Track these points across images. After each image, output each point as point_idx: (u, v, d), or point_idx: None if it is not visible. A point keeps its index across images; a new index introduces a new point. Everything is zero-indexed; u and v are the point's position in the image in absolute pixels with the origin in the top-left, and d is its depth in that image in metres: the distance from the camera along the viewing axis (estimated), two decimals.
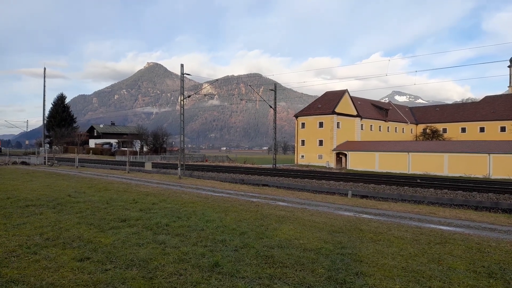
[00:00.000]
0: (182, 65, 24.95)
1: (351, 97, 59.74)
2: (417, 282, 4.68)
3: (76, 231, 7.24)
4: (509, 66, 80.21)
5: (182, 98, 25.49)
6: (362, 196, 16.24)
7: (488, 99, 69.24)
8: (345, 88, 61.01)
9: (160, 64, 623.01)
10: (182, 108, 25.59)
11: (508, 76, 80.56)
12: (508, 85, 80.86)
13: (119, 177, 21.79)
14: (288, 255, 5.71)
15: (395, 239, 7.12)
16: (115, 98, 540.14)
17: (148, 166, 27.69)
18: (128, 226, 7.73)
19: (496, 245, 6.85)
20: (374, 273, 4.97)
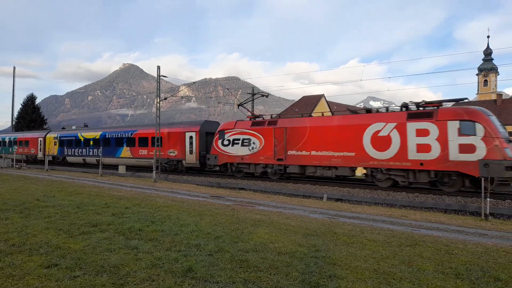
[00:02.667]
0: (158, 67, 24.61)
1: (328, 102, 60.73)
2: (388, 283, 4.79)
3: (44, 236, 6.98)
4: (477, 74, 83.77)
5: (158, 100, 25.12)
6: (337, 199, 16.47)
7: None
8: (322, 93, 61.99)
9: (136, 65, 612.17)
10: (158, 111, 25.21)
11: (477, 83, 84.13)
12: (477, 92, 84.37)
13: (91, 181, 21.20)
14: (263, 259, 5.71)
15: (368, 241, 7.25)
16: (89, 99, 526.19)
17: (122, 169, 27.09)
18: (100, 231, 7.51)
19: (463, 247, 7.10)
20: (347, 276, 5.04)
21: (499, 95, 65.14)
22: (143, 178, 24.81)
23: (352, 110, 20.76)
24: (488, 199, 11.93)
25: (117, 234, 7.26)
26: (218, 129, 23.41)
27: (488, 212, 11.88)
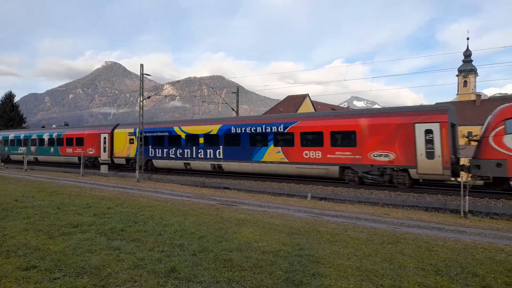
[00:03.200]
0: (141, 65, 24.28)
1: (312, 101, 61.21)
2: (370, 281, 4.85)
3: (22, 238, 6.80)
4: (457, 75, 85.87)
5: (141, 99, 24.79)
6: (321, 198, 16.60)
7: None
8: (306, 93, 62.44)
9: (118, 64, 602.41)
10: (141, 110, 24.89)
11: (457, 84, 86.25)
12: (457, 93, 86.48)
13: (72, 181, 20.77)
14: (247, 258, 5.70)
15: (350, 239, 7.34)
16: (70, 97, 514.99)
17: (104, 168, 26.62)
18: (80, 232, 7.37)
19: (443, 244, 7.27)
20: (330, 274, 5.09)
21: (478, 95, 66.97)
22: (126, 177, 24.46)
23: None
24: (467, 197, 12.24)
25: (99, 235, 7.14)
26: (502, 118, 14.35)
27: (467, 210, 12.18)
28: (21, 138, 38.47)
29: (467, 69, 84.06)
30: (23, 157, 31.84)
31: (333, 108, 72.44)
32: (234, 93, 33.25)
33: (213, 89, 39.85)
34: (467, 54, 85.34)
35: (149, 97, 26.99)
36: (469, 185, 12.63)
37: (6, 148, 39.65)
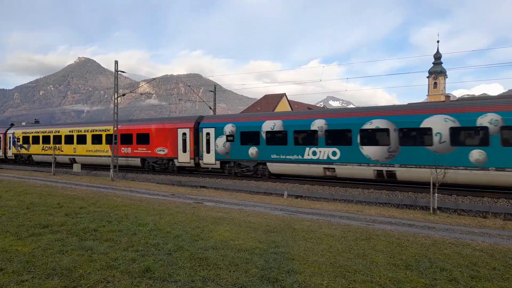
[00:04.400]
0: (116, 62, 23.73)
1: (289, 101, 61.71)
2: (343, 277, 4.96)
3: None
4: (428, 77, 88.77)
5: (116, 96, 24.25)
6: (297, 196, 16.79)
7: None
8: (284, 92, 62.90)
9: (92, 60, 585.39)
10: (116, 107, 24.34)
11: (427, 85, 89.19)
12: (427, 93, 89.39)
13: (43, 180, 20.08)
14: (223, 256, 5.71)
15: (325, 236, 7.47)
16: (41, 94, 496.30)
17: (77, 167, 25.87)
18: (51, 232, 7.15)
19: (413, 239, 7.52)
20: (304, 270, 5.17)
21: (447, 96, 69.43)
22: (99, 176, 23.88)
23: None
24: (436, 194, 12.69)
25: (71, 235, 6.95)
26: None
27: (436, 207, 12.64)
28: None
29: (437, 71, 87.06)
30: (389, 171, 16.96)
31: (309, 107, 73.25)
32: (212, 91, 33.07)
33: (190, 87, 39.48)
34: (437, 56, 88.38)
35: (124, 95, 26.46)
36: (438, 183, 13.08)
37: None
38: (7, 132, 35.07)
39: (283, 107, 59.05)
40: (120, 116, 26.01)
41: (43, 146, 31.26)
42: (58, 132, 30.02)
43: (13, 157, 34.68)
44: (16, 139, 33.97)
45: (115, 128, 24.23)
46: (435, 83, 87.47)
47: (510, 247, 7.11)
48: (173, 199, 13.26)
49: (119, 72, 24.11)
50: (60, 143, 29.58)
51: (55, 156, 27.28)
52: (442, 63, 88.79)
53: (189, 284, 4.56)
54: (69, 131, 29.28)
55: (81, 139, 28.22)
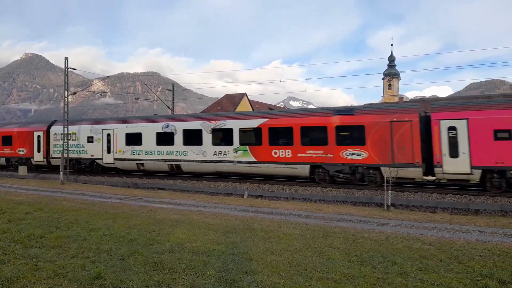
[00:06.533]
0: (66, 58, 22.47)
1: (250, 100, 61.93)
2: (300, 275, 5.00)
3: None
4: (382, 79, 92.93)
5: (66, 94, 22.96)
6: (258, 196, 16.82)
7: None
8: (245, 92, 63.01)
9: (40, 56, 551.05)
10: (66, 106, 23.06)
11: (382, 87, 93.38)
12: (382, 95, 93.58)
13: None
14: (179, 260, 5.55)
15: (284, 235, 7.52)
16: None
17: (23, 170, 24.21)
18: None
19: (368, 236, 7.77)
20: (262, 270, 5.15)
21: (401, 97, 73.12)
22: (48, 180, 22.51)
23: None
24: (389, 191, 13.25)
25: (14, 243, 6.46)
26: None
27: (389, 203, 13.19)
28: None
29: (391, 73, 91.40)
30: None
31: (270, 107, 73.96)
32: (170, 90, 32.36)
33: (147, 85, 38.35)
34: (391, 59, 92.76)
35: (75, 93, 25.15)
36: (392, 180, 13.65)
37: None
38: None
39: (244, 107, 59.12)
40: (72, 115, 24.71)
41: None
42: None
43: None
44: None
45: (65, 128, 22.96)
46: (390, 85, 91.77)
47: (456, 240, 7.56)
48: (128, 202, 12.78)
49: (70, 69, 22.87)
50: None
51: None
52: (396, 65, 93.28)
53: None
54: None
55: None
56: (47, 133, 25.29)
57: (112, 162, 22.57)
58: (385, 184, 13.43)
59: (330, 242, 7.02)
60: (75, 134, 23.98)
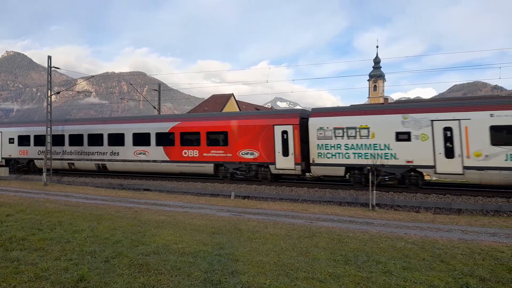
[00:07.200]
0: (49, 57, 22.02)
1: (237, 101, 61.89)
2: (285, 275, 5.03)
3: None
4: (368, 80, 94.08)
5: (49, 94, 22.52)
6: (245, 197, 16.81)
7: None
8: (232, 92, 62.94)
9: (23, 54, 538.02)
10: (49, 106, 22.63)
11: (368, 88, 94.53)
12: (368, 96, 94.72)
13: None
14: (165, 261, 5.51)
15: (270, 236, 7.54)
16: None
17: (3, 171, 23.65)
18: None
19: (353, 235, 7.86)
20: (248, 271, 5.16)
21: (386, 99, 74.24)
22: (30, 181, 22.03)
23: None
24: (374, 191, 13.42)
25: None
26: None
27: (374, 203, 13.36)
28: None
29: (376, 74, 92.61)
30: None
31: (257, 108, 74.07)
32: (156, 90, 32.08)
33: (133, 85, 37.95)
34: (377, 61, 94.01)
35: (58, 93, 24.71)
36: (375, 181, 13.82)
37: None
38: None
39: (230, 107, 59.03)
40: (56, 115, 24.29)
41: None
42: None
43: None
44: None
45: (49, 128, 22.51)
46: (375, 86, 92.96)
47: (438, 239, 7.71)
48: (113, 204, 12.61)
49: (53, 68, 22.45)
50: None
51: None
52: (381, 67, 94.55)
53: None
54: None
55: None
56: None
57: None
58: (370, 184, 13.60)
59: (316, 242, 7.07)
60: None
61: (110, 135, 22.11)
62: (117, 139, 21.81)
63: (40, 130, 23.74)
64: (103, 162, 22.08)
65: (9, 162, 25.90)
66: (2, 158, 26.01)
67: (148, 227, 8.15)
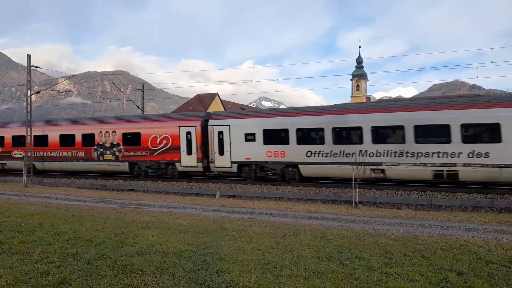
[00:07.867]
0: (29, 56, 21.49)
1: (222, 100, 61.70)
2: (270, 273, 5.07)
3: None
4: (351, 79, 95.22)
5: (29, 93, 21.98)
6: (230, 196, 16.81)
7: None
8: (217, 92, 62.74)
9: (1, 53, 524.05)
10: (29, 106, 22.09)
11: (351, 87, 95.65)
12: (351, 95, 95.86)
13: None
14: (149, 262, 5.48)
15: (255, 234, 7.57)
16: None
17: None
18: None
19: (336, 232, 7.96)
20: (233, 269, 5.18)
21: (368, 98, 75.30)
22: (10, 183, 21.48)
23: None
24: (357, 189, 13.62)
25: None
26: None
27: (357, 201, 13.56)
28: None
29: (359, 74, 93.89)
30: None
31: (242, 107, 73.99)
32: (139, 89, 31.70)
33: (116, 85, 37.38)
34: (359, 60, 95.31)
35: (38, 92, 24.15)
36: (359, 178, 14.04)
37: None
38: None
39: (215, 106, 58.81)
40: (36, 115, 23.73)
41: None
42: None
43: None
44: None
45: (29, 129, 21.99)
46: (358, 86, 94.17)
47: (419, 235, 7.89)
48: (96, 205, 12.43)
49: (33, 67, 21.93)
50: None
51: None
52: (363, 67, 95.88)
53: None
54: None
55: None
56: None
57: None
58: (353, 182, 13.79)
59: (300, 239, 7.14)
60: None
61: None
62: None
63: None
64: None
65: None
66: None
67: (132, 228, 8.07)
